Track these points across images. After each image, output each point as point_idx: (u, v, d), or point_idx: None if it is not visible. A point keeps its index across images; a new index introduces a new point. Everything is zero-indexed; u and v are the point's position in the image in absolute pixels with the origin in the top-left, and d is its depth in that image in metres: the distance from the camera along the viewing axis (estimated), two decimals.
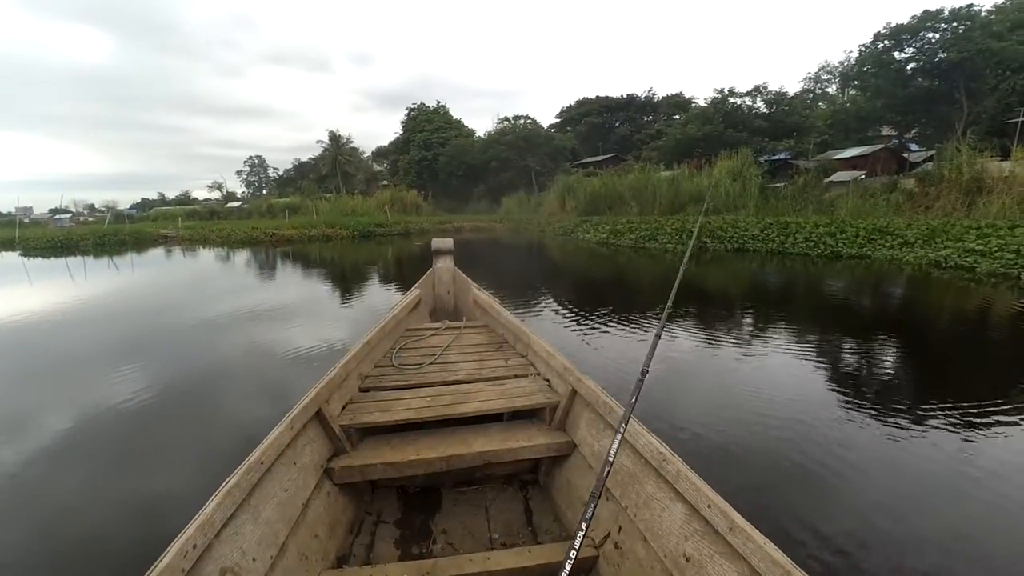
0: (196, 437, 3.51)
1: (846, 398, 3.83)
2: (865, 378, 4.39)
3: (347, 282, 10.76)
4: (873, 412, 3.58)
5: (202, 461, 3.13)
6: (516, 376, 2.75)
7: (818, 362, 4.75)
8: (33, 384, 4.74)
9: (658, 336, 1.80)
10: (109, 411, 3.88)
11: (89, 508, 2.68)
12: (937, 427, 3.33)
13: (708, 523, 1.38)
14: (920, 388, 4.19)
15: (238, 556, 1.38)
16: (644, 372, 1.62)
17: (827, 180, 23.18)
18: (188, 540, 1.21)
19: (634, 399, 1.55)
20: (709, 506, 1.37)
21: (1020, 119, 23.78)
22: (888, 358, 4.98)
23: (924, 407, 3.67)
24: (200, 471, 2.96)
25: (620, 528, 1.74)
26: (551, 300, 7.91)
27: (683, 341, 5.45)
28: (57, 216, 48.07)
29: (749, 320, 6.64)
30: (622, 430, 1.45)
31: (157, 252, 19.79)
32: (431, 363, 2.98)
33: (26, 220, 48.27)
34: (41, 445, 3.36)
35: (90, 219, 47.78)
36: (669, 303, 2.18)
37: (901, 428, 3.33)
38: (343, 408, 2.31)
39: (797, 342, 5.40)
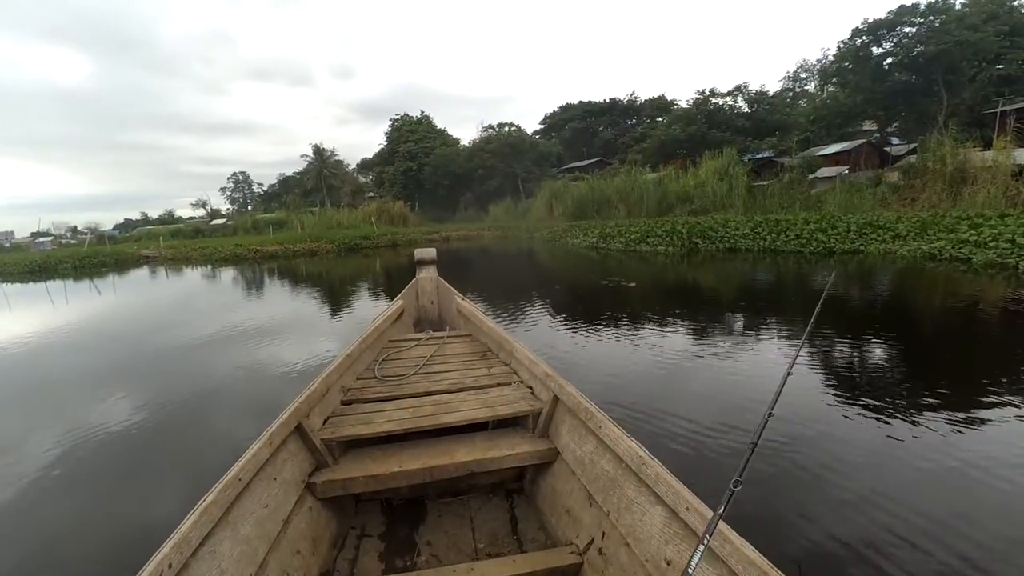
0: (177, 459, 3.43)
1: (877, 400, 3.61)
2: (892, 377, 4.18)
3: (328, 298, 10.41)
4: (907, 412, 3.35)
5: (186, 481, 3.05)
6: (499, 384, 2.71)
7: (853, 361, 4.53)
8: (11, 409, 4.66)
9: (765, 423, 1.32)
10: (89, 436, 3.76)
11: (68, 529, 2.65)
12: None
13: (687, 526, 1.36)
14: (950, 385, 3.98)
15: (216, 575, 1.34)
16: (753, 445, 1.22)
17: (811, 176, 23.28)
18: (163, 559, 1.17)
19: (738, 476, 1.14)
20: (687, 509, 1.36)
21: (998, 109, 24.06)
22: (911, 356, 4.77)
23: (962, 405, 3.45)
24: (184, 490, 2.83)
25: (604, 534, 1.72)
26: (552, 315, 7.64)
27: (676, 343, 5.22)
28: (39, 240, 47.33)
29: (761, 322, 6.42)
30: (707, 539, 1.11)
31: (137, 274, 19.29)
32: (414, 374, 2.93)
33: (7, 245, 47.48)
34: (22, 469, 3.32)
35: (72, 241, 46.95)
36: (799, 350, 1.84)
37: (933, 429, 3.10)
38: (325, 421, 2.27)
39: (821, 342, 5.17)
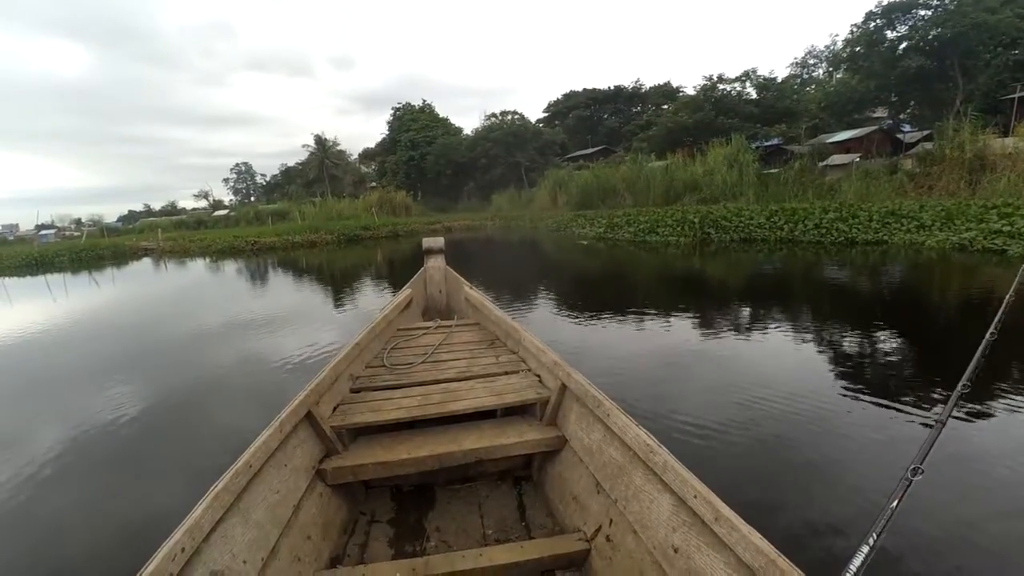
0: (182, 448, 3.47)
1: None
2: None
3: (326, 290, 9.97)
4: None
5: (195, 468, 3.07)
6: (507, 373, 2.72)
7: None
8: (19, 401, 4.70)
9: (956, 402, 1.28)
10: (94, 430, 3.77)
11: (82, 517, 2.70)
12: None
13: (695, 513, 1.36)
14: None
15: (228, 559, 1.36)
16: (941, 425, 1.19)
17: (822, 164, 22.73)
18: (176, 544, 1.19)
19: (918, 463, 1.04)
20: (695, 496, 1.35)
21: (1016, 95, 23.40)
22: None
23: None
24: (197, 478, 2.67)
25: (611, 521, 1.73)
26: (564, 323, 7.23)
27: (687, 338, 4.81)
28: (43, 232, 47.08)
29: (802, 324, 6.00)
30: (874, 535, 0.92)
31: (135, 267, 18.94)
32: (422, 362, 2.96)
33: (11, 237, 47.30)
34: (33, 458, 3.35)
35: (76, 233, 46.61)
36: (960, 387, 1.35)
37: None
38: (334, 409, 2.29)
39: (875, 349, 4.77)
